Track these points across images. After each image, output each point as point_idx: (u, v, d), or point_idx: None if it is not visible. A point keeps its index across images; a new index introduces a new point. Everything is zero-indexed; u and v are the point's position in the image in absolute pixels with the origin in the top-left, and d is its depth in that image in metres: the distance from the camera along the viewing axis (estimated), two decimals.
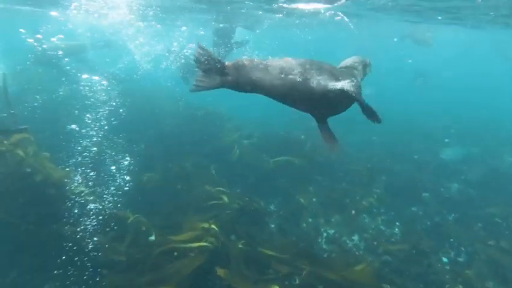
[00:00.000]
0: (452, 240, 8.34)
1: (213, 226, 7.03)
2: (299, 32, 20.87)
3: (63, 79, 13.53)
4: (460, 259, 7.80)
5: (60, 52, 13.26)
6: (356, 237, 8.75)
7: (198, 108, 14.94)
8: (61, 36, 13.98)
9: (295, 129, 14.13)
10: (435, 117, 19.56)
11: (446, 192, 10.66)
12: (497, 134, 16.63)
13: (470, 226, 8.81)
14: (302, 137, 13.20)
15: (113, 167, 8.80)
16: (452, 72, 37.53)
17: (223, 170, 10.52)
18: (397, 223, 9.30)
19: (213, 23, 15.96)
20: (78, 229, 6.56)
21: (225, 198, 8.55)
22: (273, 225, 8.95)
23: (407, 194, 10.56)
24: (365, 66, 3.54)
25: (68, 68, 13.66)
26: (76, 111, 10.94)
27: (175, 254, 6.41)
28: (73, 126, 9.75)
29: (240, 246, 6.89)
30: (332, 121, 3.38)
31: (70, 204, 6.92)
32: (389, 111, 21.09)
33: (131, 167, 9.23)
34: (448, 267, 7.54)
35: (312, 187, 10.48)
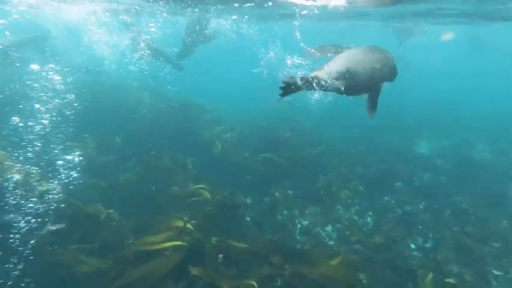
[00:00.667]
0: (421, 227, 8.66)
1: (188, 225, 7.11)
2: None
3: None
4: (427, 245, 8.11)
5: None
6: (329, 228, 9.00)
7: (176, 100, 14.82)
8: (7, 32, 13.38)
9: (278, 122, 14.27)
10: (414, 110, 20.01)
11: (418, 182, 11.00)
12: (471, 126, 17.07)
13: (439, 213, 9.14)
14: (288, 134, 13.19)
15: (82, 163, 8.48)
16: (431, 66, 38.32)
17: (203, 165, 10.57)
18: (370, 213, 9.58)
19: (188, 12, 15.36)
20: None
21: (205, 194, 8.61)
22: (248, 219, 9.12)
23: (381, 185, 10.86)
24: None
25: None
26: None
27: (151, 254, 6.44)
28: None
29: (214, 242, 7.01)
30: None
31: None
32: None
33: (106, 164, 9.17)
34: (415, 253, 7.85)
35: (289, 180, 10.67)
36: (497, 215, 8.76)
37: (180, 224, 7.13)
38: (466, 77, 42.77)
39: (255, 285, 5.65)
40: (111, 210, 7.25)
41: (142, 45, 13.22)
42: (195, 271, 6.06)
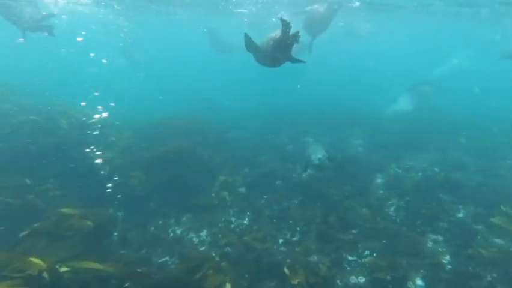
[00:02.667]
0: (291, 222, 8.85)
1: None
2: None
3: None
4: (294, 238, 8.29)
5: None
6: (203, 233, 8.70)
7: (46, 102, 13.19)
8: None
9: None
10: (308, 109, 21.12)
11: (297, 178, 11.36)
12: (355, 124, 18.42)
13: (310, 207, 9.47)
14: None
15: None
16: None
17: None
18: (248, 213, 9.56)
19: None
20: None
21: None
22: (116, 234, 8.37)
23: (264, 183, 10.99)
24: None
25: None
26: None
27: None
28: None
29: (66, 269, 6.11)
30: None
31: None
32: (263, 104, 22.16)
33: None
34: (282, 248, 7.94)
35: (169, 190, 10.15)
36: (360, 204, 9.36)
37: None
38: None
39: None
40: None
41: None
42: None
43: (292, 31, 5.63)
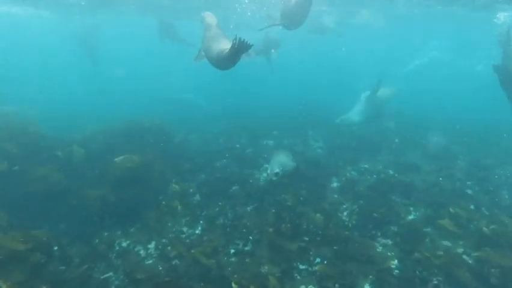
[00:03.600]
0: (244, 230, 8.64)
1: None
2: None
3: None
4: (246, 248, 8.09)
5: None
6: (152, 245, 8.31)
7: None
8: None
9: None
10: (271, 111, 21.04)
11: (254, 183, 11.18)
12: (316, 125, 18.51)
13: (265, 214, 9.31)
14: None
15: None
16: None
17: None
18: (201, 221, 9.26)
19: None
20: None
21: None
22: (56, 248, 7.82)
23: (219, 190, 10.72)
24: None
25: None
26: None
27: None
28: None
29: None
30: None
31: None
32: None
33: None
34: (232, 259, 7.72)
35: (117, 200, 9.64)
36: (314, 210, 9.31)
37: None
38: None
39: None
40: None
41: None
42: None
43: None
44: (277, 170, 9.68)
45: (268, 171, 9.98)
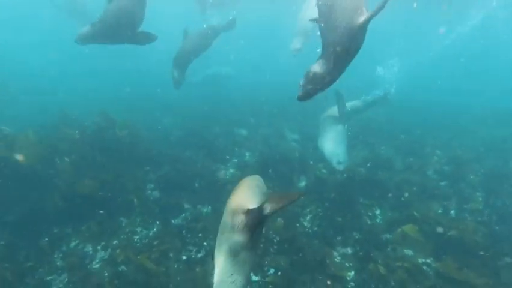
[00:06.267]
0: (200, 235, 8.29)
1: None
2: None
3: None
4: (199, 255, 7.78)
5: None
6: (100, 246, 7.93)
7: None
8: None
9: None
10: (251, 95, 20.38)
11: (219, 178, 10.77)
12: (297, 115, 17.91)
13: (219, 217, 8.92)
14: None
15: None
16: None
17: None
18: (157, 222, 8.87)
19: None
20: None
21: None
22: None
23: (182, 185, 10.28)
24: None
25: None
26: None
27: None
28: None
29: None
30: None
31: None
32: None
33: None
34: (181, 267, 7.40)
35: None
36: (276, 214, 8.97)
37: None
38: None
39: None
40: None
41: None
42: None
43: None
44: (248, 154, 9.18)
45: None
